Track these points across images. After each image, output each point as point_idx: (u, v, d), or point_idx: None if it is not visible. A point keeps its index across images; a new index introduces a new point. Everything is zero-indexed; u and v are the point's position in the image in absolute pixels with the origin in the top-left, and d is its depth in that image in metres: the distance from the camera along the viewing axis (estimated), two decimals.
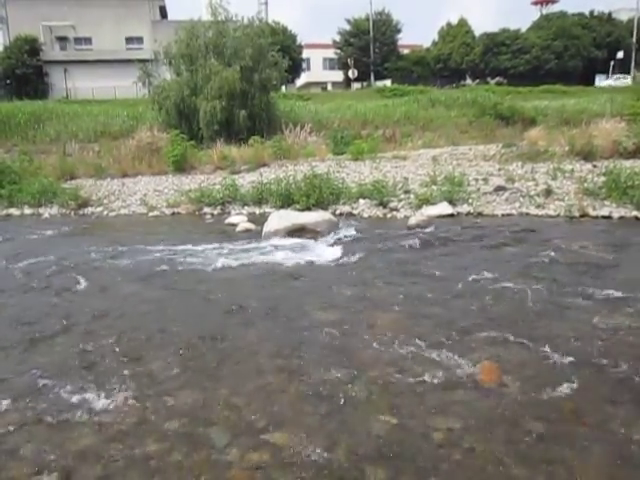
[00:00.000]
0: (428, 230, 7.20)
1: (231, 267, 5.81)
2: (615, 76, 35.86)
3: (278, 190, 9.52)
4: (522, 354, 3.54)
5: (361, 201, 9.10)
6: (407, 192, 9.17)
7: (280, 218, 7.42)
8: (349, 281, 5.17)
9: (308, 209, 8.79)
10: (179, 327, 4.21)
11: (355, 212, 8.80)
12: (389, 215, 8.54)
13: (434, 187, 9.13)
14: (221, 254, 6.40)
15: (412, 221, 7.54)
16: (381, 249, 6.26)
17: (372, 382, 3.27)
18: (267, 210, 9.52)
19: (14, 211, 10.90)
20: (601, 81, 35.48)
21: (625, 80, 34.10)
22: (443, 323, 4.03)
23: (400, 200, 8.90)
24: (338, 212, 8.83)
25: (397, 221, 8.15)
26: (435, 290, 4.77)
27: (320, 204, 9.00)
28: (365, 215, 8.63)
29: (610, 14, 38.77)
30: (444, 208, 8.23)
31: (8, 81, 28.85)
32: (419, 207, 8.49)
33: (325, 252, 6.30)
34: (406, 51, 39.25)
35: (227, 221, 8.84)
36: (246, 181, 11.24)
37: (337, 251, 6.32)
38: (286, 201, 9.35)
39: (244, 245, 6.88)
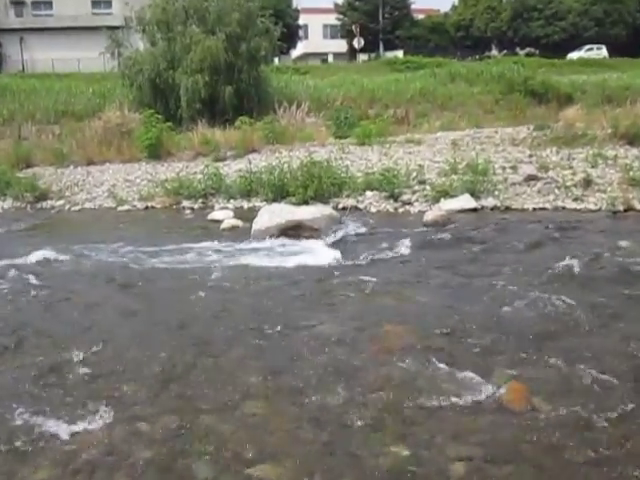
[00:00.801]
0: (447, 228, 7.21)
1: (214, 272, 5.82)
2: None
3: (270, 180, 9.53)
4: (555, 373, 3.55)
5: (368, 193, 9.11)
6: (422, 183, 9.18)
7: (272, 213, 7.43)
8: (353, 289, 5.18)
9: (305, 203, 8.79)
10: (154, 342, 4.22)
11: (361, 206, 8.81)
12: (401, 210, 8.55)
13: (454, 177, 9.14)
14: (202, 256, 6.42)
15: (428, 217, 7.55)
16: (391, 251, 6.27)
17: (380, 406, 3.28)
18: (257, 204, 9.52)
19: None
20: None
21: None
22: (462, 337, 4.04)
23: (414, 192, 8.91)
24: (341, 206, 8.83)
25: (410, 217, 8.16)
26: (454, 299, 4.78)
27: (319, 197, 9.00)
28: (373, 210, 8.65)
29: None
30: (466, 201, 8.24)
31: None
32: (436, 200, 8.50)
33: (325, 254, 6.32)
34: (421, 16, 39.24)
35: (210, 217, 8.85)
36: (232, 170, 11.24)
37: (339, 253, 6.33)
38: (279, 193, 9.36)
39: (229, 245, 6.89)
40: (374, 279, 5.37)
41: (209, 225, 8.42)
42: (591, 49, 35.00)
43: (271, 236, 7.07)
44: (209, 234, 7.69)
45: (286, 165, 9.78)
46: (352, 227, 7.47)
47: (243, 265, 6.02)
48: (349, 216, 8.18)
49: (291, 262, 6.05)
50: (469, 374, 3.52)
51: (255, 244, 6.89)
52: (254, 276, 5.70)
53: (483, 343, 3.93)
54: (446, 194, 8.54)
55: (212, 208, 9.61)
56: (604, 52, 34.83)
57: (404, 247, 6.33)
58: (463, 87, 19.45)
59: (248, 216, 8.36)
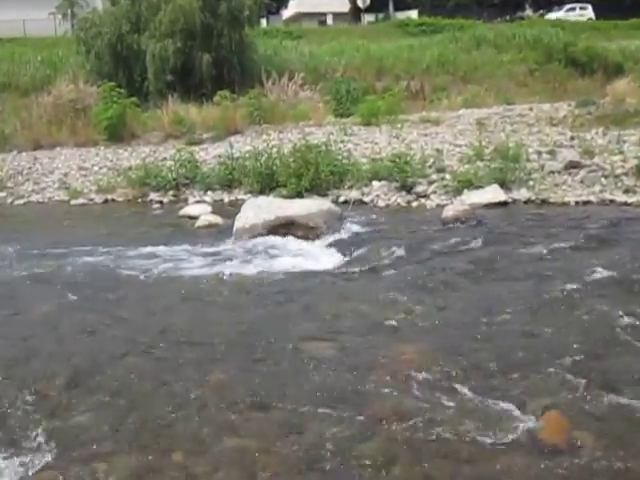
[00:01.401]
0: (470, 225, 7.25)
1: (187, 281, 5.84)
2: None
3: (256, 168, 9.55)
4: (600, 401, 3.55)
5: (375, 183, 9.14)
6: (441, 171, 9.21)
7: (259, 208, 7.45)
8: (357, 300, 5.20)
9: (299, 195, 8.83)
10: (114, 364, 4.23)
11: (366, 199, 8.85)
12: (415, 204, 8.59)
13: (479, 164, 9.18)
14: (173, 261, 6.44)
15: (448, 212, 7.57)
16: (403, 254, 6.29)
17: (389, 442, 3.28)
18: (240, 197, 9.55)
19: None
20: None
21: None
22: (489, 359, 4.05)
23: (431, 182, 8.95)
24: (342, 199, 8.88)
25: (426, 212, 8.19)
26: (479, 314, 4.79)
27: (316, 188, 9.04)
28: (381, 203, 8.68)
29: None
30: (494, 194, 8.28)
31: None
32: (458, 192, 8.54)
33: (323, 258, 6.34)
34: None
35: (183, 212, 8.87)
36: (210, 155, 11.26)
37: (340, 257, 6.37)
38: (267, 184, 9.39)
39: (207, 247, 6.92)
40: (383, 289, 5.39)
41: (181, 222, 8.44)
42: (573, 9, 35.08)
43: (257, 236, 7.10)
44: (181, 234, 7.71)
45: (275, 149, 9.82)
46: (356, 225, 7.51)
47: (223, 272, 6.03)
48: (352, 211, 8.21)
49: (281, 268, 6.08)
50: (497, 403, 3.52)
51: (238, 246, 6.92)
52: (236, 285, 5.71)
53: (514, 365, 3.94)
54: (470, 185, 8.57)
55: (185, 202, 9.64)
56: (589, 13, 34.88)
57: (419, 250, 6.36)
58: (490, 55, 19.50)
59: (229, 211, 8.39)
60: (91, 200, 10.14)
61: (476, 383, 3.74)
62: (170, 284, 5.79)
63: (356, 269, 5.98)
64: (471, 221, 7.38)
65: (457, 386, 3.71)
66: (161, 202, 9.84)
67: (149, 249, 6.89)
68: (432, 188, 8.81)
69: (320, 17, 41.36)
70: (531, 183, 8.59)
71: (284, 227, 7.17)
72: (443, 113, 13.12)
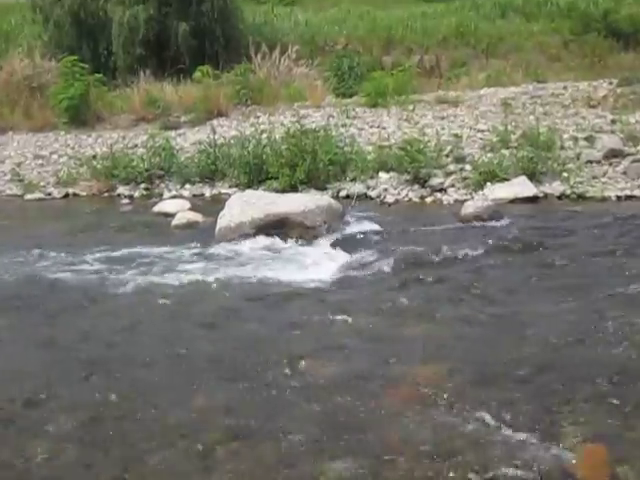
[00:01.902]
0: (494, 225, 7.24)
1: (162, 290, 5.82)
2: None
3: (242, 157, 9.53)
4: None
5: (383, 175, 9.14)
6: (460, 160, 9.20)
7: (246, 204, 7.44)
8: (361, 312, 5.19)
9: (293, 189, 8.81)
10: (77, 387, 4.23)
11: (373, 194, 8.84)
12: (429, 199, 8.58)
13: (505, 152, 9.16)
14: (144, 267, 6.42)
15: (468, 209, 7.57)
16: (414, 258, 6.28)
17: (399, 478, 3.28)
18: (224, 190, 9.53)
19: None
20: None
21: None
22: (516, 382, 4.05)
23: (448, 174, 8.94)
24: (344, 194, 8.86)
25: (443, 209, 8.19)
26: (504, 330, 4.80)
27: (313, 181, 9.02)
28: (389, 199, 8.67)
29: None
30: (522, 187, 8.27)
31: None
32: (480, 186, 8.53)
33: (321, 263, 6.34)
34: None
35: (157, 209, 8.86)
36: (189, 142, 11.23)
37: (342, 261, 6.35)
38: (256, 176, 9.36)
39: (184, 251, 6.90)
40: (391, 300, 5.39)
41: (155, 221, 8.42)
42: None
43: (244, 237, 7.07)
44: (155, 234, 7.69)
45: (265, 135, 9.79)
46: (360, 224, 7.50)
47: (203, 280, 6.02)
48: (356, 208, 8.20)
49: (273, 275, 6.06)
50: (527, 433, 3.52)
51: (221, 249, 6.90)
52: (219, 295, 5.71)
53: (546, 388, 3.94)
54: (494, 177, 8.56)
55: (160, 196, 9.61)
56: None
57: (433, 254, 6.33)
58: (517, 24, 19.46)
59: (211, 208, 8.36)
60: (49, 195, 10.10)
61: (502, 409, 3.74)
62: (141, 294, 5.78)
63: (360, 276, 5.97)
64: (495, 220, 7.36)
65: (475, 412, 3.71)
66: (131, 197, 9.80)
67: (116, 253, 6.87)
68: (449, 181, 8.79)
69: None
70: (565, 175, 8.56)
71: (276, 226, 7.14)
72: (462, 92, 13.07)
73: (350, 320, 5.06)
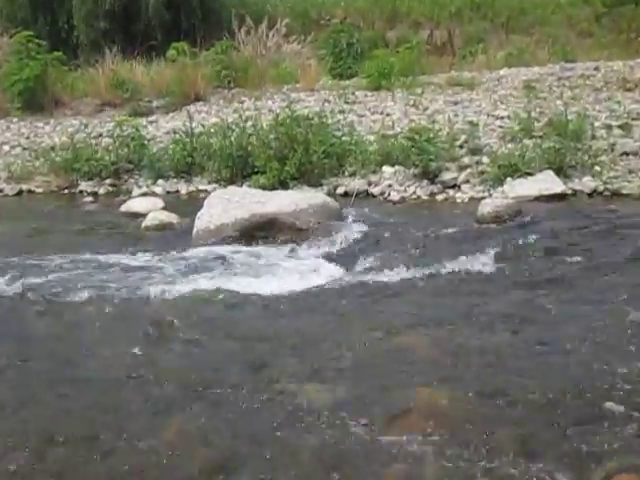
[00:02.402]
0: (516, 226, 7.23)
1: (130, 303, 5.82)
2: None
3: (224, 148, 9.54)
4: None
5: (387, 170, 9.15)
6: (476, 152, 9.22)
7: (228, 203, 7.46)
8: (362, 327, 5.20)
9: (283, 185, 8.83)
10: (37, 410, 4.21)
11: (375, 191, 8.85)
12: (440, 197, 8.59)
13: (528, 142, 9.18)
14: (110, 277, 6.41)
15: (485, 209, 7.56)
16: (423, 267, 6.26)
17: None
18: (202, 187, 9.55)
19: None
20: None
21: None
22: (537, 407, 4.04)
23: (462, 167, 8.94)
24: (341, 191, 8.88)
25: (456, 208, 8.20)
26: (524, 348, 4.80)
27: (306, 176, 9.04)
28: (394, 196, 8.68)
29: None
30: (547, 183, 8.27)
31: None
32: (499, 181, 8.52)
33: (315, 271, 6.34)
34: None
35: (125, 208, 8.88)
36: (162, 130, 11.25)
37: (338, 269, 6.36)
38: (240, 170, 9.39)
39: (156, 257, 6.91)
40: (394, 314, 5.39)
41: (123, 222, 8.43)
42: None
43: (226, 241, 7.11)
44: (122, 238, 7.71)
45: (251, 123, 9.80)
46: (360, 226, 7.49)
47: (177, 291, 6.01)
48: (355, 208, 8.21)
49: (259, 285, 6.06)
50: (549, 466, 3.51)
51: (199, 255, 6.90)
52: (198, 309, 5.70)
53: (575, 416, 3.93)
54: (515, 171, 8.56)
55: (128, 194, 9.63)
56: None
57: (446, 261, 6.32)
58: None
59: (188, 207, 8.38)
60: (0, 191, 10.11)
61: (524, 439, 3.73)
62: (105, 308, 5.75)
63: (359, 287, 5.96)
64: (517, 220, 7.36)
65: (491, 441, 3.71)
66: (95, 194, 9.80)
67: (77, 260, 6.85)
68: (464, 176, 8.79)
69: None
70: (598, 169, 8.56)
71: (262, 229, 7.18)
72: (479, 73, 13.14)
73: (345, 337, 5.05)
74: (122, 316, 5.63)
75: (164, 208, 8.56)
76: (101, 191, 9.86)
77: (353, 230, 7.37)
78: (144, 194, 9.53)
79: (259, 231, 7.15)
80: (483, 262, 6.31)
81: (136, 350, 5.03)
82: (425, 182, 8.81)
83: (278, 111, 10.12)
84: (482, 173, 8.79)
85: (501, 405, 4.11)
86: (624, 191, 8.20)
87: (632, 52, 14.01)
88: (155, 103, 12.63)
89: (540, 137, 9.24)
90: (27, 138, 11.71)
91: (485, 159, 9.02)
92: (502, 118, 10.25)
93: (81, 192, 9.91)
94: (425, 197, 8.62)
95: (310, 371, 4.63)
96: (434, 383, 4.36)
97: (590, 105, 10.43)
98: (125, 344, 5.14)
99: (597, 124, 9.56)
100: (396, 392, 4.29)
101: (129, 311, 5.73)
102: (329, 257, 6.72)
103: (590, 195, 8.22)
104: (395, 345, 4.94)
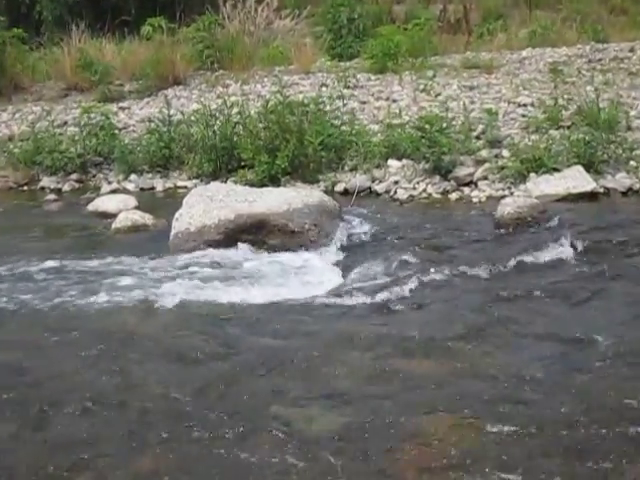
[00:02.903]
0: (540, 230, 7.25)
1: (98, 318, 5.82)
2: None
3: (206, 139, 9.55)
4: None
5: (393, 164, 9.19)
6: (495, 144, 9.24)
7: (211, 202, 7.46)
8: (363, 346, 5.21)
9: (273, 182, 8.86)
10: None
11: (379, 188, 8.89)
12: (454, 195, 8.62)
13: (554, 133, 9.22)
14: (73, 287, 6.41)
15: (506, 209, 7.54)
16: (435, 277, 6.27)
17: None
18: (181, 183, 9.57)
19: None
20: None
21: None
22: (574, 439, 4.04)
23: (479, 162, 8.96)
24: (341, 188, 8.92)
25: (472, 208, 8.24)
26: (556, 369, 4.82)
27: (300, 171, 9.07)
28: (401, 195, 8.71)
29: None
30: (576, 180, 8.28)
31: None
32: (521, 178, 8.54)
33: (311, 281, 6.36)
34: None
35: (92, 207, 8.90)
36: (136, 118, 11.25)
37: (337, 279, 6.39)
38: (225, 164, 9.41)
39: (129, 264, 6.92)
40: (404, 331, 5.39)
41: (90, 223, 8.44)
42: None
43: (208, 245, 7.11)
44: (89, 242, 7.75)
45: (237, 110, 9.80)
46: (362, 229, 7.55)
47: (153, 305, 6.01)
48: (357, 207, 8.26)
49: (246, 297, 6.08)
50: None
51: (177, 262, 6.91)
52: (176, 325, 5.71)
53: (604, 447, 3.94)
54: (539, 166, 8.56)
55: (97, 191, 9.64)
56: None
57: (459, 273, 6.34)
58: None
59: (165, 207, 8.42)
60: None
61: (549, 474, 3.75)
62: (69, 322, 5.77)
63: (361, 300, 5.95)
64: (542, 224, 7.35)
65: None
66: (59, 191, 9.81)
67: (37, 267, 6.87)
68: (481, 171, 8.81)
69: None
70: (634, 164, 8.59)
71: (250, 231, 7.18)
72: (498, 54, 13.13)
73: (347, 354, 5.07)
74: (88, 331, 5.62)
75: (137, 207, 8.57)
76: (65, 187, 9.86)
77: (354, 234, 7.42)
78: (114, 191, 9.54)
79: (246, 234, 7.15)
80: (503, 273, 6.33)
81: (104, 369, 5.03)
82: (437, 178, 8.83)
83: (268, 96, 10.10)
84: (502, 168, 8.80)
85: (522, 436, 4.12)
86: None
87: None
88: (127, 87, 12.63)
89: (568, 128, 9.26)
90: None
91: (505, 152, 9.04)
92: (525, 106, 10.25)
93: (43, 189, 9.92)
94: (437, 196, 8.64)
95: (301, 396, 4.64)
96: (448, 409, 4.37)
97: (624, 91, 10.43)
98: (92, 363, 5.15)
99: (632, 113, 9.58)
100: (399, 418, 4.30)
101: (97, 325, 5.72)
102: (326, 264, 6.73)
103: (624, 194, 8.24)
104: (397, 365, 4.94)
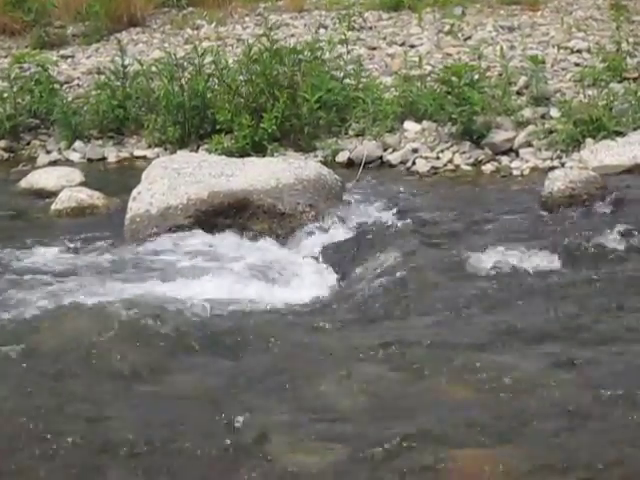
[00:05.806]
0: (601, 212, 7.27)
1: (32, 323, 5.84)
2: None
3: (172, 96, 9.57)
4: None
5: (410, 127, 9.24)
6: (540, 101, 9.26)
7: (177, 177, 7.53)
8: (372, 361, 5.23)
9: (257, 150, 8.91)
10: None
11: (393, 158, 8.93)
12: (488, 167, 8.68)
13: (617, 87, 9.23)
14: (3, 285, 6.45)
15: (555, 185, 7.54)
16: (456, 275, 6.31)
17: None
18: (140, 153, 9.61)
19: None
20: None
21: None
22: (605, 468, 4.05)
23: (521, 124, 8.99)
24: (344, 158, 8.95)
25: (512, 184, 8.31)
26: (602, 394, 4.75)
27: (292, 136, 9.13)
28: (421, 167, 8.77)
29: None
30: None
31: None
32: (574, 144, 8.56)
33: (302, 278, 6.44)
34: None
35: (26, 182, 8.98)
36: (81, 69, 11.26)
37: (335, 274, 6.47)
38: (195, 127, 9.45)
39: (71, 255, 7.00)
40: (421, 341, 5.41)
41: (22, 203, 8.56)
42: None
43: (173, 232, 7.16)
44: (22, 226, 7.85)
45: (211, 59, 9.81)
46: (370, 211, 7.58)
47: (102, 307, 5.98)
48: (364, 183, 8.31)
49: (222, 298, 6.10)
50: None
51: (133, 253, 6.98)
52: (132, 333, 5.70)
53: None
54: (598, 129, 8.59)
55: (32, 161, 9.68)
56: None
57: (494, 268, 6.34)
58: None
59: (118, 182, 8.50)
60: None
61: None
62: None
63: (368, 301, 6.01)
64: (603, 203, 7.37)
65: None
66: None
67: None
68: (523, 136, 8.85)
69: None
70: None
71: (228, 214, 7.27)
72: None
73: (348, 370, 5.08)
74: (23, 339, 5.58)
75: (84, 183, 8.61)
76: None
77: (360, 217, 7.42)
78: (54, 162, 9.61)
79: (223, 218, 7.21)
80: (550, 270, 6.33)
81: (49, 388, 5.04)
82: (467, 145, 8.88)
83: (251, 41, 10.14)
84: (550, 132, 8.84)
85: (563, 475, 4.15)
86: None
87: None
88: (71, 30, 12.65)
89: (634, 80, 9.27)
90: None
91: (554, 112, 9.08)
92: (579, 52, 10.29)
93: None
94: (466, 167, 8.71)
95: (291, 418, 4.65)
96: (479, 443, 4.35)
97: None
98: (33, 379, 5.12)
99: None
100: (411, 449, 4.29)
101: (33, 333, 5.71)
102: (324, 257, 6.76)
103: None
104: (409, 385, 4.95)
